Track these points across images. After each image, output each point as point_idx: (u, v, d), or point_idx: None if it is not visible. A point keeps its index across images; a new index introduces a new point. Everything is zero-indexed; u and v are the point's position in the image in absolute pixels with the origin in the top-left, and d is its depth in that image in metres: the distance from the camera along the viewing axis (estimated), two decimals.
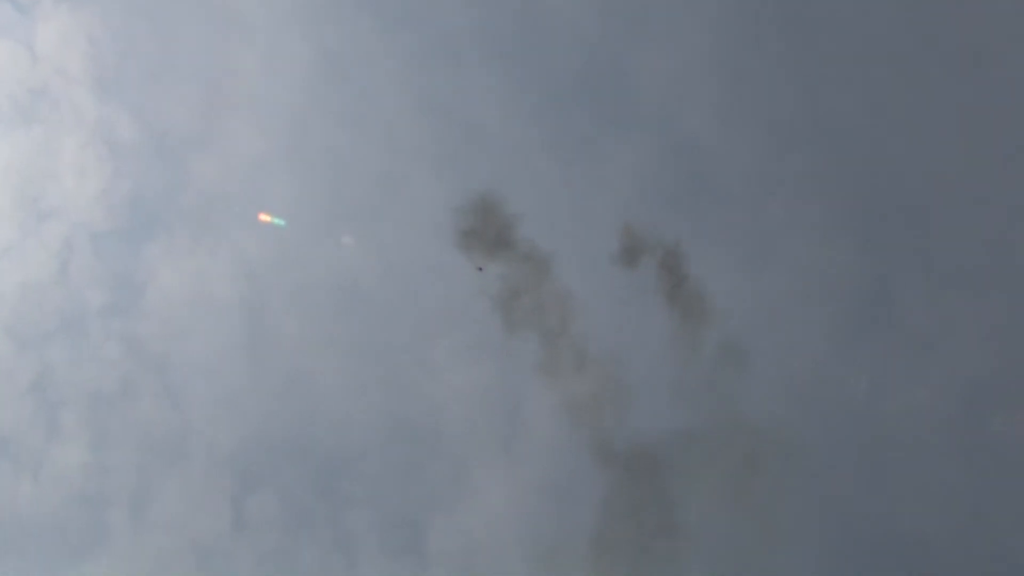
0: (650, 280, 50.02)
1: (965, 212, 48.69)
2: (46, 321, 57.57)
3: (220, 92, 58.72)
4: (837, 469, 48.41)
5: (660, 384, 49.12)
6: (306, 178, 57.14)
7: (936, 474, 46.95)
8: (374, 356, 55.53)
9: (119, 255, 58.33)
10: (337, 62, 57.52)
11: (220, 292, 57.44)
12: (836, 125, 50.20)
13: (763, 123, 50.78)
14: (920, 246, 48.66)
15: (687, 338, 49.41)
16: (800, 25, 52.38)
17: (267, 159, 57.75)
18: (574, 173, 53.61)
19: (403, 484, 54.45)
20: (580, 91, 53.69)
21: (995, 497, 46.69)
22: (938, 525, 47.05)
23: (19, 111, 58.63)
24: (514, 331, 50.82)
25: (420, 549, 53.35)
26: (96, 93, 59.06)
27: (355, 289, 55.98)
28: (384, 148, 56.33)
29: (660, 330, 49.62)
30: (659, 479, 48.80)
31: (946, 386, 47.48)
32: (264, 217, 55.26)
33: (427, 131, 55.62)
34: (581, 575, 49.81)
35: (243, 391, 56.44)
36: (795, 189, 50.00)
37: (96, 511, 55.73)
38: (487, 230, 50.85)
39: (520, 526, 52.31)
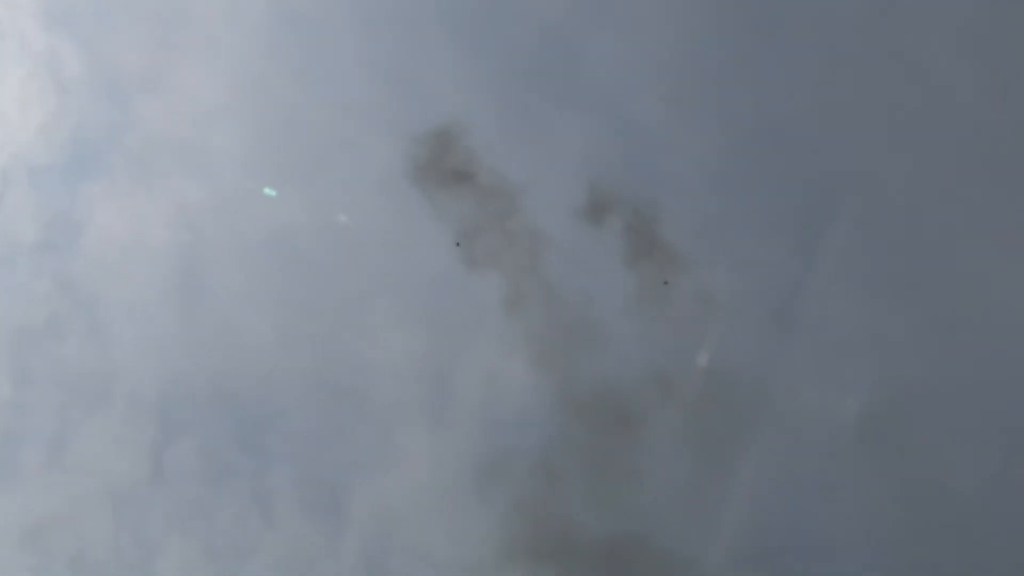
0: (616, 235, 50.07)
1: (898, 220, 49.63)
2: None
3: (174, 34, 57.91)
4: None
5: (628, 328, 49.33)
6: (254, 130, 56.67)
7: (845, 475, 47.86)
8: (308, 313, 55.27)
9: (57, 192, 57.55)
10: (295, 16, 56.98)
11: (157, 237, 56.87)
12: (782, 124, 50.81)
13: (711, 117, 51.25)
14: (849, 250, 49.47)
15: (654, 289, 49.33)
16: (761, 24, 52.83)
17: (216, 107, 57.07)
18: (525, 148, 53.57)
19: (327, 445, 54.39)
20: (536, 67, 53.71)
21: (902, 502, 47.67)
22: (844, 528, 47.88)
23: None
24: (476, 267, 50.50)
25: (339, 511, 53.39)
26: (45, 24, 58.05)
27: (294, 245, 55.72)
28: (335, 108, 55.91)
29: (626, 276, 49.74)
30: (624, 424, 48.69)
31: (862, 389, 48.48)
32: None
33: (380, 94, 55.31)
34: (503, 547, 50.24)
35: (172, 338, 56.04)
36: (736, 182, 50.62)
37: (11, 448, 55.16)
38: (445, 162, 50.33)
39: (442, 496, 52.52)
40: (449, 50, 54.58)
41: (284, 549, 53.36)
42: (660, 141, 52.21)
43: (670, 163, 52.17)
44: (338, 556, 52.44)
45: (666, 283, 49.71)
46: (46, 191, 57.43)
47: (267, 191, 54.53)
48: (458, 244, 50.77)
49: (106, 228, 57.03)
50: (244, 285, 55.91)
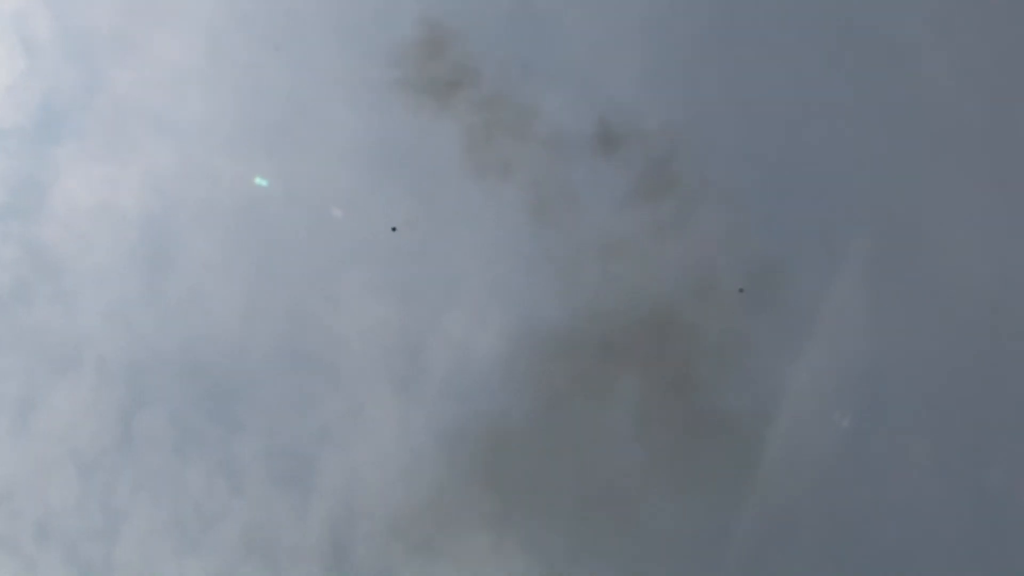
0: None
1: (869, 202, 49.95)
2: None
3: None
4: None
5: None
6: (225, 96, 56.11)
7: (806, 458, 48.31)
8: (278, 283, 55.17)
9: (24, 154, 56.84)
10: None
11: (126, 203, 56.38)
12: (754, 100, 50.95)
13: (685, 92, 51.27)
14: (821, 229, 49.79)
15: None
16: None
17: (189, 73, 56.53)
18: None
19: (296, 416, 54.39)
20: (509, 37, 53.49)
21: (861, 485, 48.13)
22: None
23: None
24: (486, 176, 49.41)
25: (307, 482, 53.49)
26: None
27: (265, 213, 55.43)
28: (310, 76, 55.61)
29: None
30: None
31: (826, 371, 48.85)
32: None
33: (357, 62, 54.94)
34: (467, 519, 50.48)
35: (141, 305, 55.66)
36: (704, 156, 50.71)
37: None
38: (439, 69, 48.79)
39: (409, 470, 52.66)
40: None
41: (252, 517, 53.45)
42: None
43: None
44: (306, 525, 52.65)
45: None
46: (13, 154, 56.75)
47: (258, 181, 54.25)
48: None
49: (75, 193, 56.55)
50: (214, 253, 55.65)
